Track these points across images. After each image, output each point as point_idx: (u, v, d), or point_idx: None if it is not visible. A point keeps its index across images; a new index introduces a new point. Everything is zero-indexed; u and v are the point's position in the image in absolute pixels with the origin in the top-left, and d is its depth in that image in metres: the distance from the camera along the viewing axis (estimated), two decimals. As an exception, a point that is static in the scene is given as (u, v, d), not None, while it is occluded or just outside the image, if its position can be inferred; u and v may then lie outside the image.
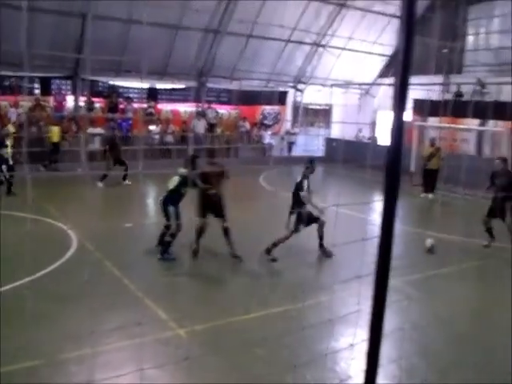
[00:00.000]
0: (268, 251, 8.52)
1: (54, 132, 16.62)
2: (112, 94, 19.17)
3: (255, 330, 6.02)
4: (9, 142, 13.04)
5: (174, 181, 8.35)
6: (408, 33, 1.85)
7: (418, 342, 5.84)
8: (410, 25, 1.85)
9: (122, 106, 19.40)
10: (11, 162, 12.94)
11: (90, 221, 9.83)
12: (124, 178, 15.14)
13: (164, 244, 8.31)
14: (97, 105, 19.17)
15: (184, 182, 8.20)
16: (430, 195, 15.02)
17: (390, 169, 1.84)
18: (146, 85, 19.86)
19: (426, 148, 15.94)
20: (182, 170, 8.42)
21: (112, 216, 11.56)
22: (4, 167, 12.66)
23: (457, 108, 18.17)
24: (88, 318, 5.93)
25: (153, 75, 19.03)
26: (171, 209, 8.31)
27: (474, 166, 13.50)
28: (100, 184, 14.73)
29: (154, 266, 8.29)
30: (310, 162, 8.87)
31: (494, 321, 6.58)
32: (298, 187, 8.68)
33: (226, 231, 8.42)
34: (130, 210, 11.77)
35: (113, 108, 19.02)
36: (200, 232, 8.42)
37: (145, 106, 20.02)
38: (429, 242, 9.47)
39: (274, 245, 8.51)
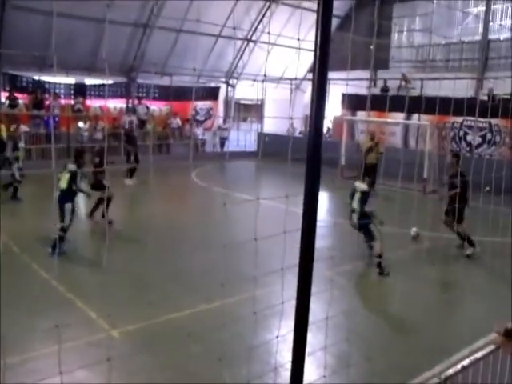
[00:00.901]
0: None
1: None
2: (36, 89, 18.36)
3: (189, 326, 6.00)
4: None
5: (65, 179, 8.42)
6: (324, 29, 1.90)
7: (348, 328, 6.03)
8: (326, 21, 1.90)
9: (48, 103, 18.65)
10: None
11: (16, 222, 9.42)
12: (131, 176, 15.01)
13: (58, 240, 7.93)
14: (20, 101, 18.29)
15: (74, 178, 8.40)
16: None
17: (311, 161, 1.89)
18: (72, 80, 19.17)
19: (364, 142, 16.11)
20: (71, 166, 8.52)
21: (39, 216, 11.08)
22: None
23: (384, 102, 18.87)
24: (16, 323, 5.71)
25: (80, 70, 18.41)
26: (67, 206, 8.33)
27: (403, 159, 14.06)
28: (129, 182, 14.66)
29: (84, 266, 8.07)
30: None
31: (420, 305, 6.89)
32: None
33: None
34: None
35: (38, 104, 18.23)
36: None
37: (72, 102, 19.35)
38: (413, 230, 9.84)
39: None
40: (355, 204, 8.48)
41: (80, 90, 19.51)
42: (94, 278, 7.54)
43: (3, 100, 17.90)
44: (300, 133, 23.22)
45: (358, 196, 8.50)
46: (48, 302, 6.34)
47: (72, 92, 19.43)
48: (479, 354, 3.19)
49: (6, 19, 15.96)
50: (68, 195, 8.39)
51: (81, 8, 16.20)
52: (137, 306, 6.47)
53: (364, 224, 8.20)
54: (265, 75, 22.63)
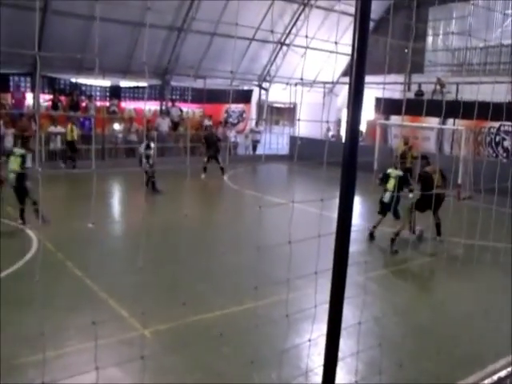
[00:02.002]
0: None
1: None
2: (73, 91, 18.80)
3: (220, 327, 6.01)
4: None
5: (15, 161, 9.66)
6: (362, 32, 1.89)
7: (379, 335, 5.95)
8: (364, 24, 1.89)
9: (83, 104, 19.06)
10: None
11: (55, 222, 9.63)
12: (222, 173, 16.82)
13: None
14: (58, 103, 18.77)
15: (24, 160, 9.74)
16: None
17: (347, 165, 1.88)
18: (108, 83, 19.54)
19: (398, 146, 15.92)
20: (20, 150, 9.83)
21: (74, 216, 11.31)
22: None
23: (418, 106, 18.59)
24: (50, 320, 5.84)
25: (115, 73, 18.75)
26: (27, 184, 9.55)
27: (437, 164, 13.84)
28: (202, 176, 16.30)
29: (117, 265, 8.19)
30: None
31: (448, 313, 6.76)
32: None
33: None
34: (93, 210, 11.52)
35: (74, 106, 18.65)
36: None
37: (107, 104, 19.71)
38: (418, 228, 10.25)
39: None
40: (390, 186, 9.84)
41: (115, 93, 19.87)
42: (127, 278, 7.65)
43: (42, 102, 18.38)
44: (332, 136, 23.09)
45: (392, 181, 9.86)
46: (82, 300, 6.47)
47: (107, 94, 19.80)
48: (516, 366, 3.11)
49: (46, 23, 16.37)
50: (21, 175, 9.57)
51: (117, 11, 16.48)
52: (168, 306, 6.53)
53: (393, 204, 9.53)
54: (301, 78, 22.53)
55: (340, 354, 4.76)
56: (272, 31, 22.26)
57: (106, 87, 19.75)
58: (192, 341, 5.72)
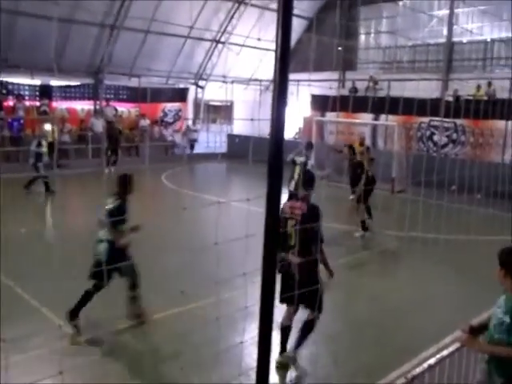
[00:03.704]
0: None
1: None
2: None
3: (158, 331, 5.91)
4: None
5: None
6: (285, 29, 1.88)
7: (317, 330, 6.04)
8: (287, 22, 1.89)
9: (11, 104, 18.18)
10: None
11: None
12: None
13: None
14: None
15: None
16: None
17: (273, 161, 1.87)
18: (38, 81, 18.74)
19: (356, 148, 15.02)
20: None
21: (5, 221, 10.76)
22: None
23: (352, 103, 19.07)
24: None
25: (45, 71, 18.02)
26: None
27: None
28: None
29: (49, 273, 7.87)
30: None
31: (384, 305, 6.96)
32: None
33: None
34: (25, 215, 11.02)
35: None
36: None
37: (38, 103, 18.92)
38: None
39: None
40: (295, 175, 9.89)
41: (46, 92, 19.09)
42: (60, 285, 7.36)
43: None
44: (269, 134, 23.31)
45: (298, 168, 9.91)
46: (12, 310, 6.16)
47: (37, 93, 18.99)
48: (445, 353, 3.22)
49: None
50: None
51: (46, 8, 15.86)
52: (105, 312, 6.33)
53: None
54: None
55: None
56: (196, 27, 22.14)
57: (35, 86, 18.92)
58: (131, 345, 5.59)
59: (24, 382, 4.20)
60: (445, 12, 20.35)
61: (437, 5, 20.94)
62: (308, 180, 5.29)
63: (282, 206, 4.99)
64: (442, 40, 20.45)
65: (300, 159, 10.19)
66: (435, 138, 17.93)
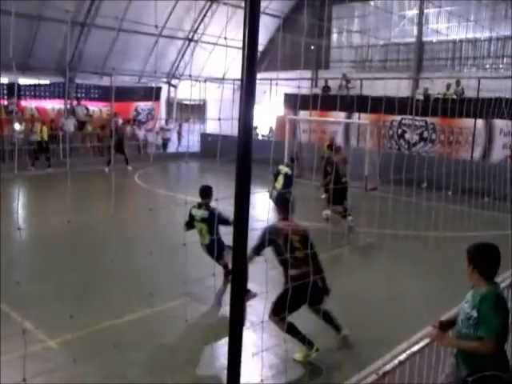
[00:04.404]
0: None
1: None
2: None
3: (130, 333, 5.84)
4: None
5: None
6: (252, 28, 1.88)
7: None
8: (254, 20, 1.88)
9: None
10: None
11: None
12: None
13: None
14: None
15: None
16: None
17: (241, 160, 1.86)
18: (4, 80, 18.31)
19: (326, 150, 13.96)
20: None
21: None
22: None
23: (325, 102, 19.18)
24: None
25: (12, 70, 17.63)
26: None
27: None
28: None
29: (19, 275, 7.72)
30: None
31: (358, 301, 7.03)
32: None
33: None
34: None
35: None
36: None
37: (5, 102, 18.50)
38: (325, 213, 10.85)
39: None
40: (278, 184, 10.13)
41: (13, 91, 18.67)
42: (29, 287, 7.22)
43: None
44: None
45: (281, 178, 10.14)
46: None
47: (5, 92, 18.56)
48: (415, 348, 3.27)
49: None
50: None
51: (13, 3, 15.52)
52: (75, 315, 6.21)
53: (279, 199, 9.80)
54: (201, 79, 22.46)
55: (254, 349, 4.79)
56: (168, 26, 21.98)
57: (2, 85, 18.48)
58: (102, 348, 5.51)
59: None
60: (415, 12, 20.67)
61: (407, 5, 21.24)
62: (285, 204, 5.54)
63: (275, 226, 5.38)
64: (413, 39, 20.76)
65: (285, 169, 10.42)
66: (406, 136, 18.19)
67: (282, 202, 5.63)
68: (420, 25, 20.13)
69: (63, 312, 6.20)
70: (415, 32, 20.61)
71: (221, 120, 2.43)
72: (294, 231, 5.19)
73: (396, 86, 17.30)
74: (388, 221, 9.55)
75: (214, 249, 6.58)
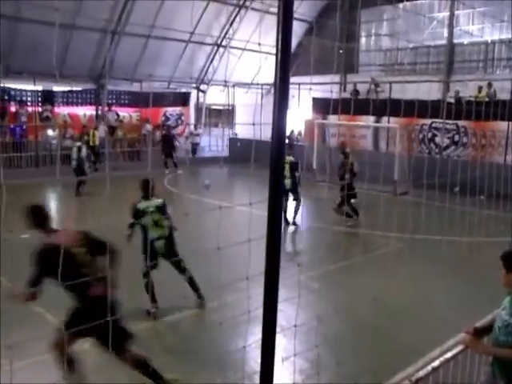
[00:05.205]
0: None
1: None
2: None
3: (162, 335, 5.91)
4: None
5: None
6: (285, 33, 1.89)
7: (322, 333, 6.03)
8: (287, 26, 1.89)
9: (13, 110, 18.22)
10: None
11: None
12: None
13: None
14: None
15: None
16: None
17: (275, 165, 1.87)
18: (40, 87, 18.79)
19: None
20: None
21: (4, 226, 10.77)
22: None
23: (354, 106, 19.04)
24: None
25: (47, 77, 18.08)
26: None
27: (371, 161, 14.20)
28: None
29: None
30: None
31: (388, 306, 6.94)
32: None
33: None
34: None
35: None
36: None
37: (40, 109, 18.97)
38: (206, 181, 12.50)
39: None
40: (286, 172, 10.31)
41: (48, 97, 19.14)
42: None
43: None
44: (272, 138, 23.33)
45: (288, 166, 10.38)
46: (16, 315, 6.16)
47: (39, 99, 19.03)
48: (449, 355, 3.21)
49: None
50: None
51: (47, 14, 15.93)
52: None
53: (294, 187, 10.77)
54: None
55: (284, 354, 4.78)
56: (197, 32, 22.16)
57: (37, 92, 18.96)
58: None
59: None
60: (445, 14, 20.36)
61: (437, 7, 20.96)
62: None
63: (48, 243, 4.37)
64: (443, 42, 20.46)
65: (289, 158, 10.65)
66: (437, 139, 17.91)
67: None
68: (451, 26, 19.82)
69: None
70: (446, 34, 20.30)
71: (254, 125, 2.44)
72: (72, 244, 4.39)
73: (426, 90, 17.05)
74: (420, 226, 9.43)
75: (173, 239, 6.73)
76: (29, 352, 5.18)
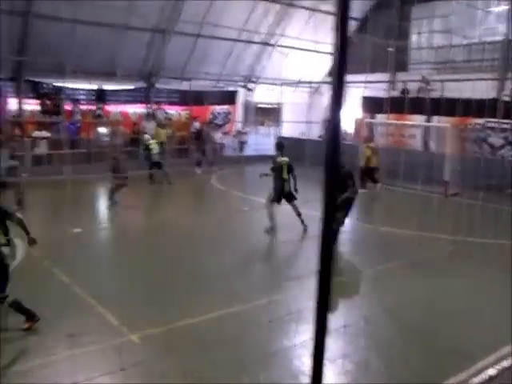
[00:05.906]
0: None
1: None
2: (56, 95, 18.54)
3: (209, 331, 5.97)
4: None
5: None
6: (343, 31, 1.86)
7: (369, 334, 5.95)
8: (345, 23, 1.87)
9: (69, 108, 18.85)
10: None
11: (36, 227, 9.51)
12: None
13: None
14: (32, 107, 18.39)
15: None
16: (379, 185, 15.29)
17: (329, 164, 1.85)
18: (93, 86, 19.36)
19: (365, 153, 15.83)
20: None
21: (59, 221, 11.18)
22: None
23: (404, 104, 18.68)
24: (37, 328, 5.76)
25: (100, 76, 18.60)
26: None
27: (421, 161, 13.91)
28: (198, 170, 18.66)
29: (105, 271, 8.13)
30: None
31: (440, 310, 6.77)
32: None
33: None
34: (78, 215, 11.38)
35: (56, 111, 18.34)
36: None
37: (93, 107, 19.55)
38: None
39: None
40: (285, 175, 10.40)
41: (100, 96, 19.71)
42: (115, 283, 7.59)
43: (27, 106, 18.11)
44: (320, 136, 23.12)
45: (285, 168, 10.41)
46: (69, 307, 6.38)
47: (93, 98, 19.62)
48: (506, 364, 3.10)
49: (28, 27, 16.23)
50: None
51: (99, 14, 16.38)
52: (157, 311, 6.46)
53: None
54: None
55: (331, 355, 4.74)
56: (245, 30, 22.20)
57: (91, 90, 19.54)
58: (180, 346, 5.66)
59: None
60: (503, 8, 19.61)
61: (494, 1, 20.19)
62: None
63: None
64: (499, 38, 19.70)
65: (284, 159, 10.52)
66: (491, 139, 17.32)
67: None
68: (509, 21, 19.06)
69: (146, 308, 6.47)
70: (502, 29, 19.53)
71: (306, 123, 2.42)
72: None
73: (480, 88, 16.51)
74: (472, 228, 9.15)
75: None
76: (81, 343, 5.35)
